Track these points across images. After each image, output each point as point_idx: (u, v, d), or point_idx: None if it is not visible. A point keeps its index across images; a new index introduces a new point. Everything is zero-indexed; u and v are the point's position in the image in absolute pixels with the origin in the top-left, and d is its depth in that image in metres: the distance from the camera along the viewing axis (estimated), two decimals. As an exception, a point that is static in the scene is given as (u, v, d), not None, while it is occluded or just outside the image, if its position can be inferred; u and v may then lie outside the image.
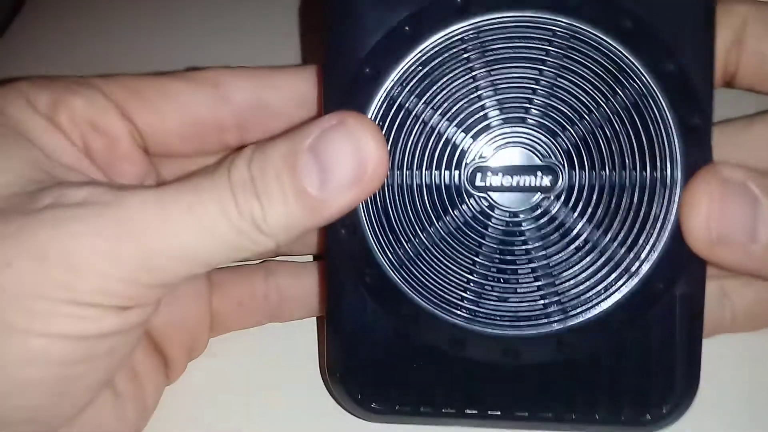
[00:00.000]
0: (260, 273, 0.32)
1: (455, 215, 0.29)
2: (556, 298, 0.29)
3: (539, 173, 0.28)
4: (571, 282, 0.29)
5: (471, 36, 0.28)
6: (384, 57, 0.28)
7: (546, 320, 0.29)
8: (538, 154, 0.28)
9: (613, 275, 0.28)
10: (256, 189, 0.23)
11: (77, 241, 0.21)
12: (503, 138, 0.28)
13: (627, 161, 0.28)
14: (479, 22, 0.28)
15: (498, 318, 0.29)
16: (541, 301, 0.29)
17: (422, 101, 0.28)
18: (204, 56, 0.37)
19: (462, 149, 0.28)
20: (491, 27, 0.28)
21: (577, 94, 0.28)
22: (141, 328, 0.25)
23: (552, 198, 0.28)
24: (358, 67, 0.29)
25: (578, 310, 0.29)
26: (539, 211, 0.28)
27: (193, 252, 0.23)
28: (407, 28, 0.28)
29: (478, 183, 0.28)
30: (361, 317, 0.30)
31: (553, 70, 0.28)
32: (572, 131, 0.28)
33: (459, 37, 0.28)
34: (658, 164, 0.28)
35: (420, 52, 0.28)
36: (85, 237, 0.21)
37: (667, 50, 0.27)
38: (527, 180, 0.28)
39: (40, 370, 0.22)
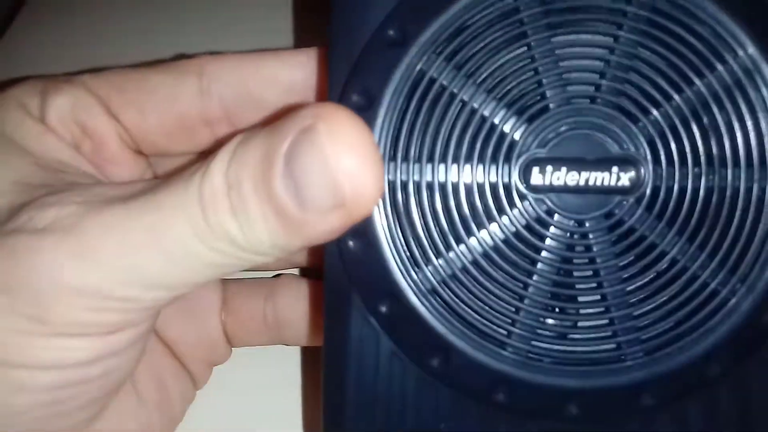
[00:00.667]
0: (264, 291, 0.30)
1: (503, 224, 0.22)
2: (634, 336, 0.22)
3: (615, 169, 0.21)
4: (655, 314, 0.22)
5: (526, -9, 0.22)
6: (412, 16, 0.22)
7: (621, 365, 0.22)
8: (614, 145, 0.22)
9: (710, 306, 0.22)
10: (231, 203, 0.19)
11: (37, 274, 0.20)
12: (567, 122, 0.22)
13: (728, 156, 0.21)
14: (537, -28, 0.22)
15: (557, 361, 0.22)
16: (615, 339, 0.22)
17: (461, 73, 0.22)
18: (206, 51, 0.34)
19: (513, 137, 0.22)
20: (552, -21, 0.22)
21: (664, 68, 0.21)
22: (138, 346, 0.23)
23: (631, 202, 0.22)
24: (378, 29, 0.22)
25: (666, 351, 0.22)
26: (613, 220, 0.22)
27: (163, 277, 0.21)
28: (443, -22, 0.22)
29: (533, 181, 0.22)
30: (373, 361, 0.22)
31: (632, 36, 0.21)
32: (658, 115, 0.21)
33: (511, -9, 0.22)
34: (769, 161, 0.21)
35: (459, 10, 0.22)
36: (44, 268, 0.20)
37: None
38: (599, 178, 0.21)
39: (28, 398, 0.21)
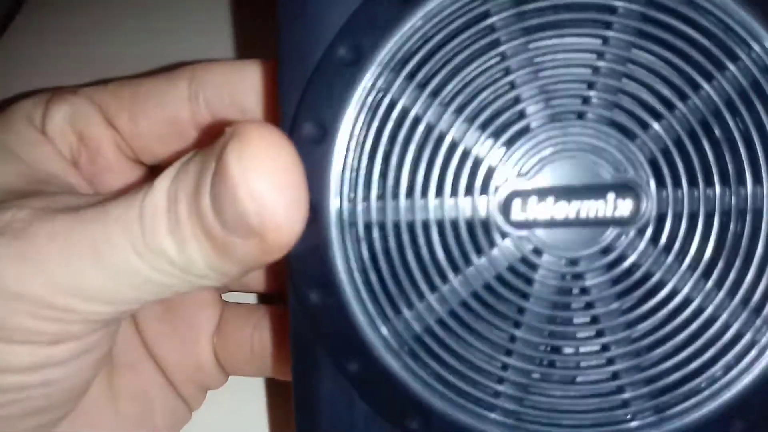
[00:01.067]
0: (253, 319, 0.28)
1: (481, 266, 0.19)
2: (644, 390, 0.19)
3: (611, 196, 0.18)
4: (667, 365, 0.18)
5: (496, -9, 0.18)
6: (366, 30, 0.19)
7: (629, 423, 0.19)
8: (609, 168, 0.18)
9: (733, 352, 0.18)
10: (169, 221, 0.19)
11: None
12: (551, 144, 0.18)
13: (747, 172, 0.18)
14: (508, -31, 0.18)
15: (553, 424, 0.19)
16: (621, 396, 0.19)
17: (426, 93, 0.19)
18: (203, 56, 0.33)
19: (489, 164, 0.18)
20: (526, -24, 0.18)
21: (664, 72, 0.18)
22: (86, 360, 0.22)
23: (632, 234, 0.18)
24: (329, 47, 0.19)
25: (680, 407, 0.18)
26: (612, 256, 0.18)
27: (103, 291, 0.20)
28: (399, -16, 0.19)
29: (515, 216, 0.18)
30: (348, 424, 0.20)
31: (624, 36, 0.18)
32: (659, 128, 0.18)
33: (478, -7, 0.18)
34: (797, 176, 0.18)
35: (421, 20, 0.19)
36: None
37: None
38: (593, 208, 0.18)
39: None
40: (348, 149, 0.19)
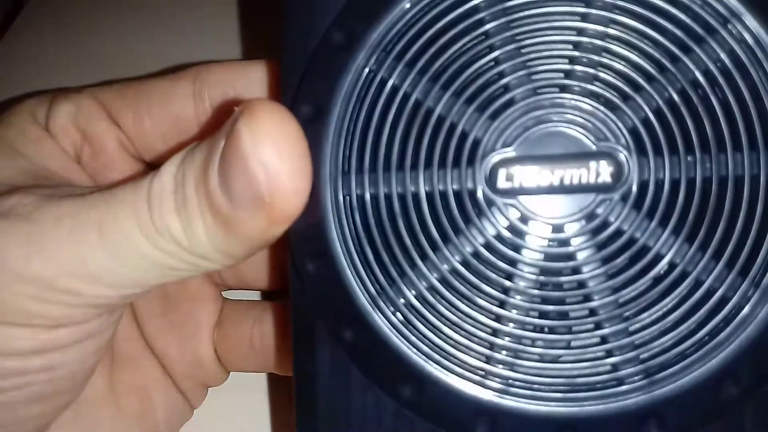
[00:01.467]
0: (253, 315, 0.29)
1: (471, 235, 0.19)
2: (632, 354, 0.19)
3: (593, 164, 0.19)
4: (654, 328, 0.19)
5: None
6: (359, 16, 0.20)
7: (619, 388, 0.19)
8: (590, 137, 0.19)
9: (720, 316, 0.18)
10: (176, 202, 0.19)
11: None
12: (535, 116, 0.19)
13: (727, 139, 0.18)
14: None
15: (544, 388, 0.19)
16: (610, 360, 0.19)
17: (414, 71, 0.20)
18: (204, 56, 0.34)
19: (475, 136, 0.19)
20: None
21: (643, 45, 0.19)
22: (87, 346, 0.23)
23: (615, 200, 0.19)
24: (325, 34, 0.20)
25: (668, 371, 0.19)
26: (597, 222, 0.19)
27: (107, 273, 0.20)
28: (388, -29, 0.20)
29: (501, 184, 0.19)
30: (345, 394, 0.20)
31: (602, 13, 0.19)
32: (639, 99, 0.19)
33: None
34: (776, 140, 0.18)
35: (408, 2, 0.20)
36: None
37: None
38: (576, 175, 0.19)
39: None
40: (342, 127, 0.20)
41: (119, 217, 0.20)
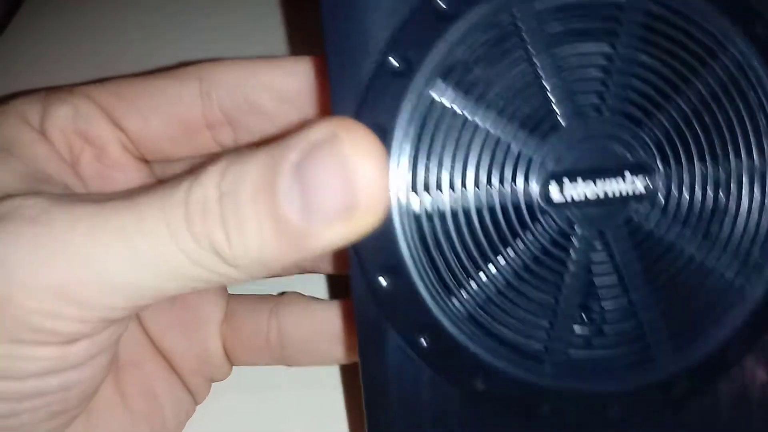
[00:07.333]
0: (267, 308, 0.28)
1: (528, 241, 0.22)
2: (662, 335, 0.22)
3: (629, 176, 0.22)
4: (679, 311, 0.22)
5: (523, 7, 0.22)
6: (412, 43, 0.21)
7: (653, 363, 0.22)
8: (626, 153, 0.22)
9: (727, 297, 0.23)
10: (222, 211, 0.19)
11: None
12: (578, 136, 0.22)
13: (730, 149, 0.22)
14: (533, -12, 0.22)
15: (593, 369, 0.22)
16: (645, 340, 0.22)
17: (471, 97, 0.21)
18: (204, 54, 0.34)
19: (528, 155, 0.22)
20: (548, -6, 0.22)
21: (662, 70, 0.22)
22: (100, 360, 0.22)
23: (648, 207, 0.22)
24: (380, 59, 0.21)
25: (690, 345, 0.23)
26: (633, 226, 0.22)
27: (127, 282, 0.20)
28: (440, 1, 0.21)
29: (553, 196, 0.22)
30: (414, 389, 0.22)
31: (629, 43, 0.22)
32: (662, 117, 0.22)
33: (507, 8, 0.22)
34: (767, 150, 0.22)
35: (459, 32, 0.21)
36: None
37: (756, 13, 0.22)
38: (615, 186, 0.22)
39: None
40: (405, 148, 0.21)
41: (147, 225, 0.19)
